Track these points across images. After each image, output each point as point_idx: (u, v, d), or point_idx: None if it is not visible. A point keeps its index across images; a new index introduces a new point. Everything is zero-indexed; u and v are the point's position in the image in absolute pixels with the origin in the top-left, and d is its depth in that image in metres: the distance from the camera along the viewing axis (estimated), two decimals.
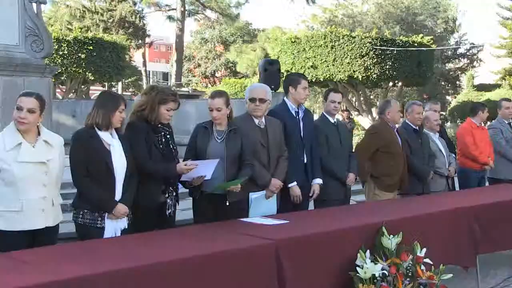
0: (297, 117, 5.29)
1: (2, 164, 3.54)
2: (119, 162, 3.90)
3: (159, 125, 4.32)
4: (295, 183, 5.07)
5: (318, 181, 5.26)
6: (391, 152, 5.88)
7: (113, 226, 3.88)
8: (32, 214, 3.61)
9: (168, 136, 4.38)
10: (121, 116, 3.96)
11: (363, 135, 6.29)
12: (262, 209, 4.63)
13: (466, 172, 7.29)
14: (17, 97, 3.67)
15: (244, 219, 4.28)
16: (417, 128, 6.39)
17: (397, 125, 6.26)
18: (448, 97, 36.94)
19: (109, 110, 3.91)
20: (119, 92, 32.51)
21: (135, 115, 4.31)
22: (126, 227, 3.96)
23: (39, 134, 3.71)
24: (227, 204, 4.45)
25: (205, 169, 4.26)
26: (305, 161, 5.24)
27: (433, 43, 21.47)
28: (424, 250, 4.16)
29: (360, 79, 18.80)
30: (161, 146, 4.29)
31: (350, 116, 18.21)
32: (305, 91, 5.28)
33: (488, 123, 9.95)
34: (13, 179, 3.54)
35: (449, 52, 34.78)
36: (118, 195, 3.91)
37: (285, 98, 5.39)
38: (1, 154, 3.54)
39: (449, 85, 36.59)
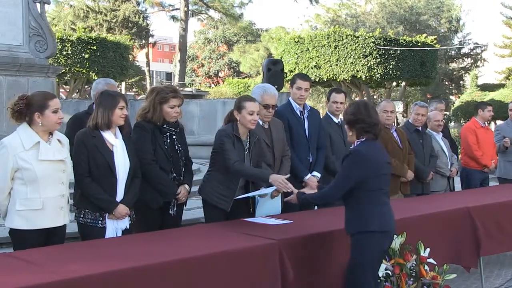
0: (302, 116, 5.30)
1: (23, 163, 3.54)
2: (122, 163, 3.90)
3: (165, 126, 4.32)
4: (309, 175, 5.11)
5: (315, 173, 5.20)
6: (388, 150, 5.84)
7: (114, 226, 3.88)
8: (52, 212, 3.64)
9: (174, 137, 4.37)
10: (122, 113, 3.93)
11: None
12: (267, 208, 4.63)
13: (469, 172, 7.26)
14: (45, 102, 3.61)
15: (248, 219, 4.28)
16: (419, 128, 6.36)
17: (399, 125, 6.23)
18: (451, 97, 36.85)
19: (108, 108, 3.90)
20: (123, 92, 32.52)
21: (141, 117, 4.32)
22: (128, 227, 3.96)
23: (50, 133, 3.73)
24: (252, 211, 4.48)
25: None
26: (311, 160, 5.24)
27: (437, 43, 21.43)
28: (428, 250, 4.15)
29: (364, 79, 18.79)
30: (166, 147, 4.29)
31: None
32: (299, 91, 5.26)
33: (498, 122, 9.93)
34: (34, 178, 3.55)
35: (453, 52, 34.72)
36: (119, 196, 3.91)
37: (290, 98, 5.41)
38: (22, 153, 3.55)
39: (453, 85, 36.52)
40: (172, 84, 35.01)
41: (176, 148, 4.37)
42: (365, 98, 21.95)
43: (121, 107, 3.93)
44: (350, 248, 3.60)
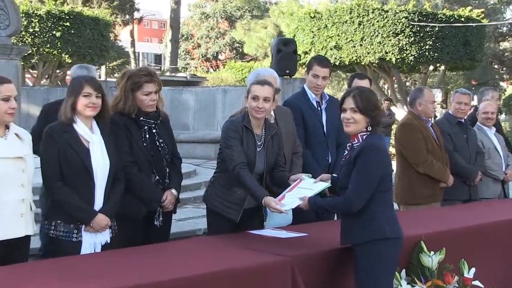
0: (319, 108, 5.27)
1: None
2: (100, 163, 3.89)
3: (141, 118, 4.27)
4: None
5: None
6: (427, 149, 5.82)
7: (92, 240, 3.87)
8: (11, 220, 3.62)
9: (154, 131, 4.33)
10: (90, 102, 3.85)
11: (395, 137, 6.17)
12: (278, 219, 4.62)
13: None
14: None
15: (255, 231, 4.28)
16: (462, 120, 6.33)
17: (437, 117, 6.24)
18: (502, 84, 36.70)
19: (72, 96, 3.88)
20: (103, 78, 32.60)
21: (112, 109, 4.23)
22: (108, 241, 3.96)
23: (6, 127, 3.72)
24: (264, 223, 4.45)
25: None
26: (330, 161, 5.20)
27: (484, 17, 21.34)
28: (473, 270, 4.14)
29: (394, 62, 18.74)
30: (144, 144, 4.26)
31: (390, 107, 18.07)
32: (316, 79, 5.20)
33: None
34: None
35: (504, 29, 34.52)
36: (98, 203, 3.90)
37: (305, 85, 5.38)
38: None
39: (504, 68, 36.32)
40: (163, 68, 35.10)
41: (158, 144, 4.33)
42: (395, 86, 21.92)
43: (86, 94, 3.86)
44: (358, 260, 3.60)
